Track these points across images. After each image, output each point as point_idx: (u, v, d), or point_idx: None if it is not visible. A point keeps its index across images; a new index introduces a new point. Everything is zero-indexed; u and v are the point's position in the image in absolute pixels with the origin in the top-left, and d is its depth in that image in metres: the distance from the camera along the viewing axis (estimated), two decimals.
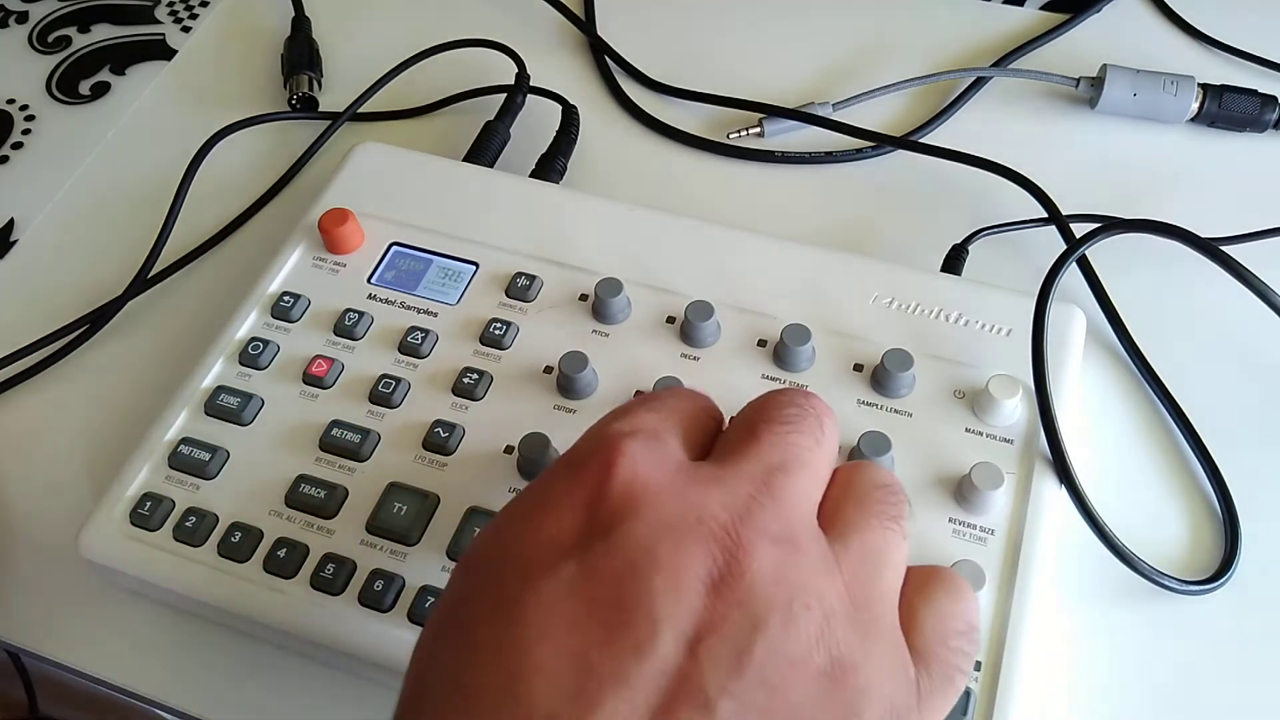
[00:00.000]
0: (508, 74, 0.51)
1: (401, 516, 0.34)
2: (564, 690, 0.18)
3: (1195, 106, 0.49)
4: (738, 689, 0.18)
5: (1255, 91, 0.49)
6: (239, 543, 0.34)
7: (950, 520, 0.34)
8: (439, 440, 0.36)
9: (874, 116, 0.51)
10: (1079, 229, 0.42)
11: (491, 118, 0.49)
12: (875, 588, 0.21)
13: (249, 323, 0.40)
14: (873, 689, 0.20)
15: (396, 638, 0.33)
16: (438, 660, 0.21)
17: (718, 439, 0.24)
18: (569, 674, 0.19)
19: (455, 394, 0.37)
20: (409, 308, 0.40)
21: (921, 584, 0.22)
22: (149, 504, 0.35)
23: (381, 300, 0.40)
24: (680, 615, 0.19)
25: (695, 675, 0.18)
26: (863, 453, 0.34)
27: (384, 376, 0.38)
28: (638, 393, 0.37)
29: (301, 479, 0.36)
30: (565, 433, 0.36)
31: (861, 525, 0.22)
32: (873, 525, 0.22)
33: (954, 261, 0.44)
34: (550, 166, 0.48)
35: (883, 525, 0.22)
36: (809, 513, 0.22)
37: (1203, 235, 0.37)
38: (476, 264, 0.41)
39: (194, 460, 0.36)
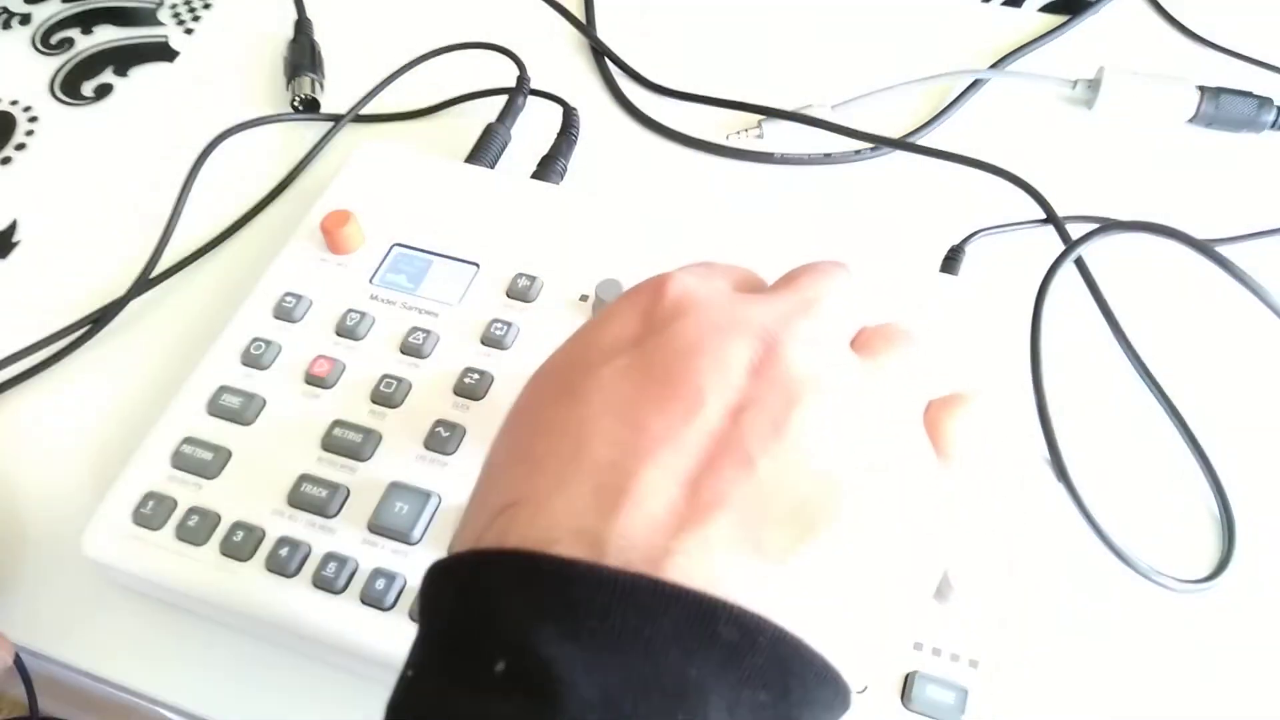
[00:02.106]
0: (509, 76, 0.51)
1: (403, 516, 0.34)
2: (621, 446, 0.21)
3: (1192, 108, 0.49)
4: (776, 450, 0.21)
5: (1252, 93, 0.49)
6: (241, 542, 0.35)
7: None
8: (441, 440, 0.36)
9: (872, 117, 0.51)
10: (1076, 230, 0.42)
11: (493, 119, 0.49)
12: (903, 399, 0.24)
13: (252, 322, 0.40)
14: (894, 470, 0.22)
15: (398, 636, 0.33)
16: (507, 445, 0.24)
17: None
18: (626, 435, 0.21)
19: (457, 394, 0.38)
20: (411, 308, 0.40)
21: (943, 402, 0.24)
22: (151, 503, 0.36)
23: (383, 300, 0.41)
24: (724, 390, 0.21)
25: (737, 437, 0.21)
26: None
27: (386, 376, 0.38)
28: None
29: (303, 478, 0.36)
30: None
31: (889, 352, 0.24)
32: (898, 355, 0.24)
33: (952, 262, 0.44)
34: (551, 168, 0.48)
35: (907, 355, 0.24)
36: (841, 336, 0.24)
37: (1199, 236, 0.37)
38: (478, 264, 0.41)
39: (196, 459, 0.37)
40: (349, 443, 0.36)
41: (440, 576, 0.22)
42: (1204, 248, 0.37)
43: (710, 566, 0.19)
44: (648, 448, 0.21)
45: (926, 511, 0.23)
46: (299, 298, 0.41)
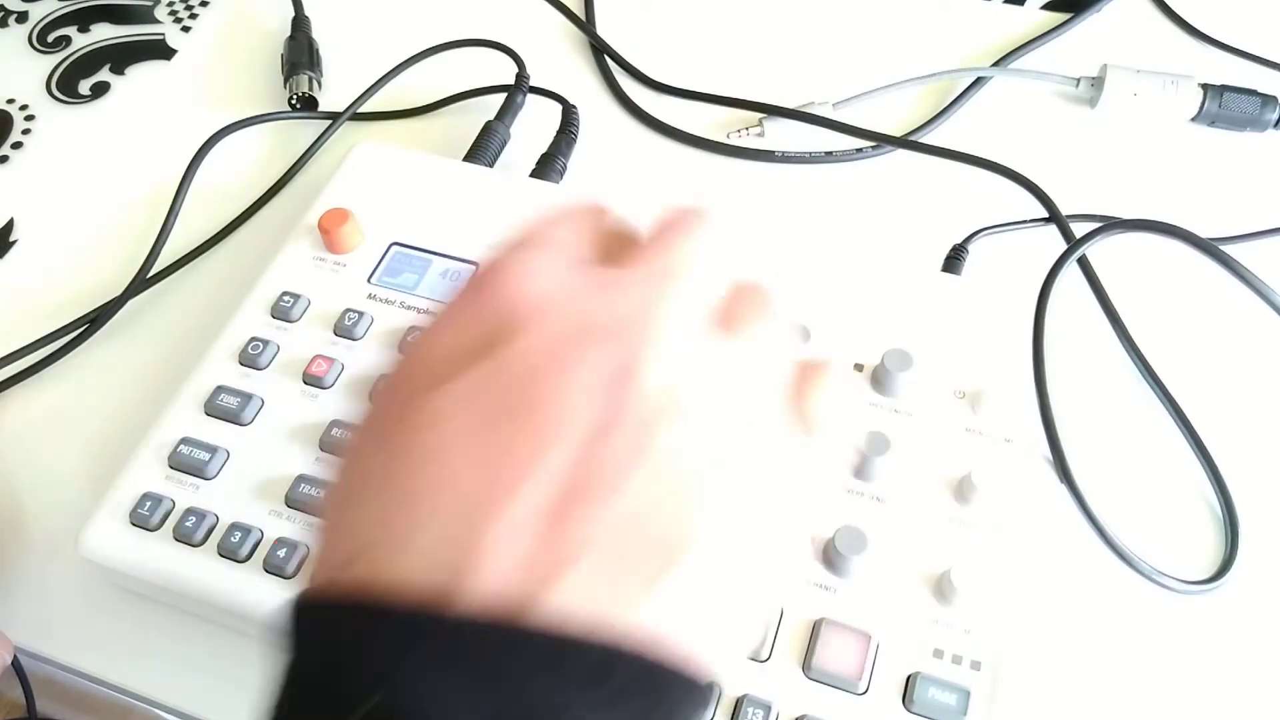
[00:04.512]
0: (508, 74, 0.51)
1: None
2: (473, 487, 0.20)
3: (1195, 106, 0.49)
4: (638, 473, 0.20)
5: (1255, 91, 0.49)
6: (238, 543, 0.34)
7: (951, 520, 0.34)
8: None
9: (874, 116, 0.50)
10: (1079, 229, 0.42)
11: (491, 118, 0.49)
12: (767, 373, 0.23)
13: (249, 322, 0.40)
14: (759, 452, 0.22)
15: None
16: (359, 468, 0.23)
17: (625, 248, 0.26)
18: (477, 474, 0.20)
19: None
20: (409, 307, 0.40)
21: (806, 372, 0.24)
22: (149, 504, 0.35)
23: (381, 300, 0.40)
24: (579, 417, 0.20)
25: (596, 467, 0.20)
26: (864, 452, 0.34)
27: (384, 376, 0.38)
28: None
29: (301, 479, 0.36)
30: None
31: (755, 323, 0.24)
32: (761, 325, 0.24)
33: (954, 261, 0.44)
34: (550, 166, 0.48)
35: (770, 322, 0.24)
36: (702, 312, 0.23)
37: (1203, 235, 0.37)
38: (477, 264, 0.41)
39: (194, 460, 0.36)
40: None
41: (303, 616, 0.21)
42: (1208, 247, 0.37)
43: (573, 609, 0.19)
44: (502, 492, 0.20)
45: (790, 487, 0.23)
46: (296, 297, 0.40)
